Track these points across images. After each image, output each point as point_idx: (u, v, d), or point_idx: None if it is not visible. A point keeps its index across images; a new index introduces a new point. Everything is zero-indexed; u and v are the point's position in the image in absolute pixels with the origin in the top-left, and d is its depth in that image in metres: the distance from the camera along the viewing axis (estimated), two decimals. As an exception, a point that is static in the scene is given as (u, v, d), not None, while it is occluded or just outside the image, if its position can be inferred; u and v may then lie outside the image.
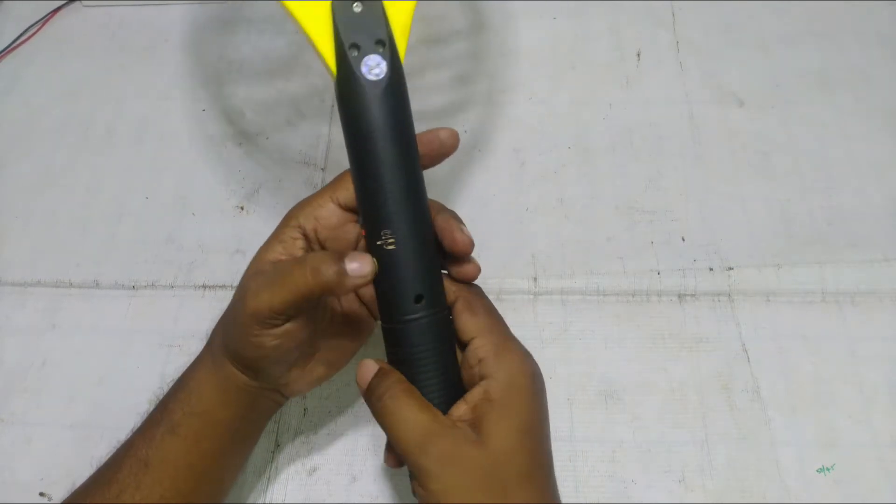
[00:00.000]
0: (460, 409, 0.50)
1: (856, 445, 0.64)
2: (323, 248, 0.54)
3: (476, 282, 0.53)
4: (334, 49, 0.51)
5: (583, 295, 0.71)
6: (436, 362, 0.51)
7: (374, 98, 0.50)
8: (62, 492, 0.62)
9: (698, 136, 0.80)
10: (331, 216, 0.54)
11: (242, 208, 0.78)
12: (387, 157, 0.50)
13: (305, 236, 0.54)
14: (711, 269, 0.72)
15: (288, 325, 0.51)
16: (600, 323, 0.70)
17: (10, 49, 0.86)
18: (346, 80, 0.51)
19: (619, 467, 0.63)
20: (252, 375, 0.54)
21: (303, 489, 0.64)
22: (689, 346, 0.69)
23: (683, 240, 0.74)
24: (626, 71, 0.84)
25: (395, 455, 0.51)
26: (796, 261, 0.72)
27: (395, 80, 0.51)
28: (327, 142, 0.81)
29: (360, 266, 0.49)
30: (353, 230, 0.55)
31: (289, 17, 0.51)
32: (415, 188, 0.51)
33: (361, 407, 0.66)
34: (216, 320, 0.63)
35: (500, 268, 0.71)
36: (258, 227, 0.71)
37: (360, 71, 0.50)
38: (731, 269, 0.72)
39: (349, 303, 0.57)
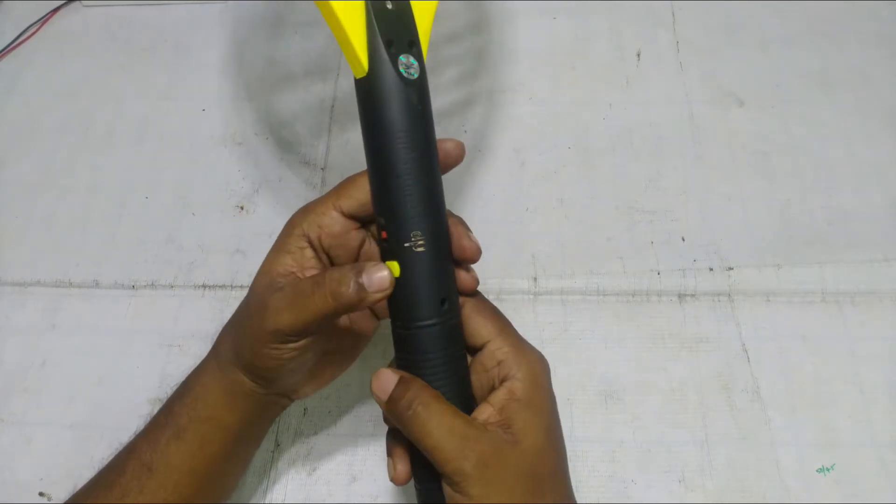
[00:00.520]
0: (486, 412, 0.49)
1: (856, 445, 0.63)
2: (328, 254, 0.53)
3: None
4: (367, 47, 0.49)
5: (583, 295, 0.70)
6: (453, 367, 0.50)
7: (407, 97, 0.48)
8: (62, 492, 0.62)
9: (698, 136, 0.79)
10: (334, 224, 0.52)
11: (242, 208, 0.77)
12: (417, 157, 0.49)
13: (311, 244, 0.53)
14: (711, 269, 0.71)
15: (305, 340, 0.51)
16: (600, 323, 0.69)
17: (9, 49, 0.86)
18: (380, 79, 0.49)
19: (619, 467, 0.63)
20: (263, 383, 0.54)
21: (302, 489, 0.63)
22: (688, 346, 0.68)
23: (683, 240, 0.73)
24: (626, 71, 0.83)
25: (405, 470, 0.50)
26: (796, 261, 0.71)
27: (425, 80, 0.50)
28: (327, 142, 0.80)
29: (380, 281, 0.48)
30: (356, 237, 0.53)
31: (322, 13, 0.50)
32: (439, 190, 0.50)
33: (361, 407, 0.65)
34: (216, 320, 0.65)
35: (500, 268, 0.71)
36: (258, 227, 0.72)
37: (397, 69, 0.48)
38: (730, 269, 0.72)
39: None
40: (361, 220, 0.53)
